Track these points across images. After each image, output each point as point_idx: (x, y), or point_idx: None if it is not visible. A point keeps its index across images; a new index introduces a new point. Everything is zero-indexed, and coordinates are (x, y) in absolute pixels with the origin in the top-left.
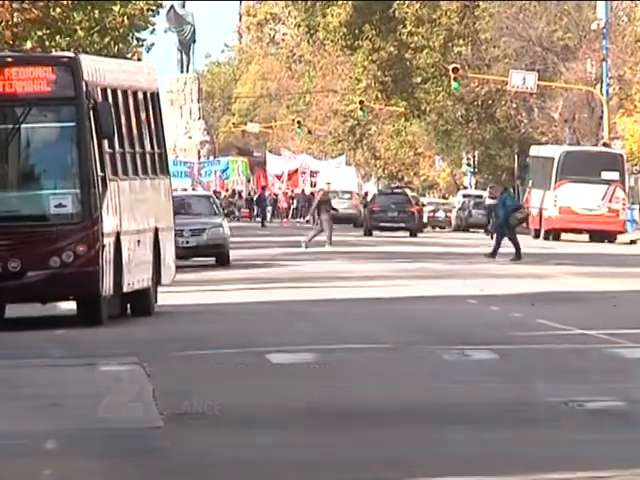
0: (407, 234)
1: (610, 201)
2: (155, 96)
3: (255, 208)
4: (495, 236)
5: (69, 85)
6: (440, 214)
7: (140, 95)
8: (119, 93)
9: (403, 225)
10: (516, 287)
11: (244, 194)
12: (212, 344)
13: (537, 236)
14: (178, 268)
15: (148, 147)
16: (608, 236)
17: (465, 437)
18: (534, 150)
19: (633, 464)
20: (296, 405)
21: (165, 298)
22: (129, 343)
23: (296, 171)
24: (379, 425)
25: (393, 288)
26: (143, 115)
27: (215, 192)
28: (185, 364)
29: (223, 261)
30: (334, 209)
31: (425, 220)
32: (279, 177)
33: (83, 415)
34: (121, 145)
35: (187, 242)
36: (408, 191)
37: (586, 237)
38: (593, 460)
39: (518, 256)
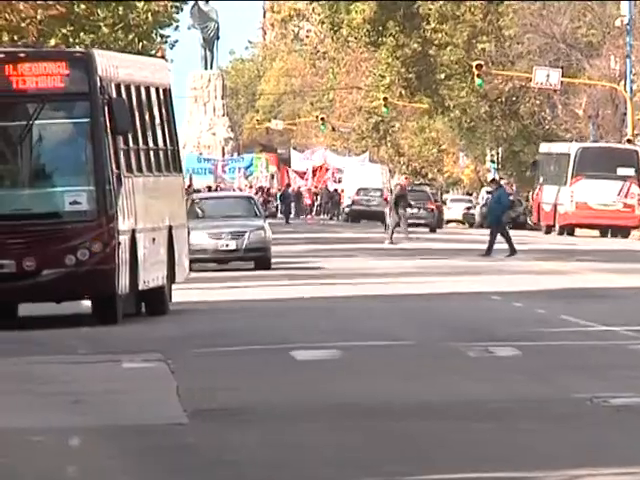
0: (427, 230)
1: (626, 197)
2: (168, 92)
3: (279, 205)
4: (489, 233)
5: (83, 81)
6: (474, 210)
7: (153, 91)
8: (132, 89)
9: (423, 222)
10: (539, 283)
11: (273, 190)
12: (235, 341)
13: (549, 232)
14: (215, 272)
15: (161, 144)
16: (621, 231)
17: (488, 434)
18: (544, 147)
19: None
20: (321, 402)
21: (181, 295)
22: (151, 340)
23: (321, 167)
24: (403, 421)
25: (416, 285)
26: (156, 111)
27: (239, 189)
28: (208, 361)
29: (264, 265)
30: (410, 205)
31: (460, 217)
32: (303, 174)
33: (107, 412)
34: (135, 142)
35: (227, 245)
36: (427, 188)
37: (597, 233)
38: (618, 457)
39: (513, 251)
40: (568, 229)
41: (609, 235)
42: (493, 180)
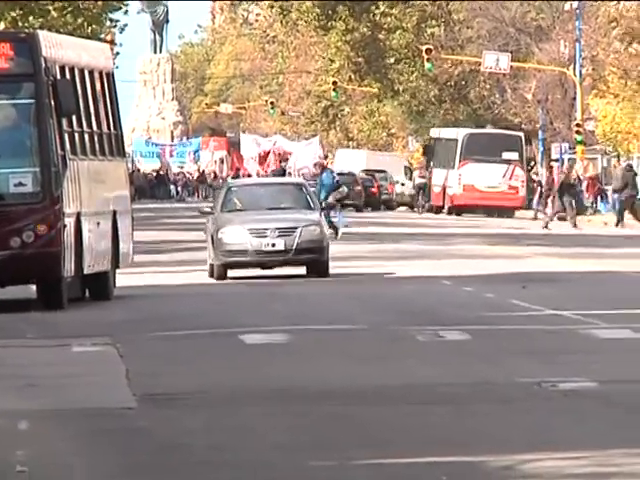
0: (353, 210)
1: (510, 179)
2: (111, 76)
3: None
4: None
5: (28, 62)
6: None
7: (97, 74)
8: (77, 71)
9: (350, 202)
10: (489, 268)
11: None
12: (184, 325)
13: (438, 212)
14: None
15: (105, 128)
16: (506, 212)
17: (439, 418)
18: (435, 132)
19: (606, 445)
20: (271, 386)
21: (125, 280)
22: (99, 325)
23: (269, 152)
24: (353, 405)
25: (367, 269)
26: (100, 95)
27: (189, 173)
28: (157, 345)
29: (320, 271)
30: (574, 190)
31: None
32: (253, 159)
33: (58, 395)
34: (80, 124)
35: (273, 245)
36: (355, 172)
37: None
38: (566, 441)
39: (336, 234)
40: (456, 210)
41: (485, 215)
42: (319, 163)
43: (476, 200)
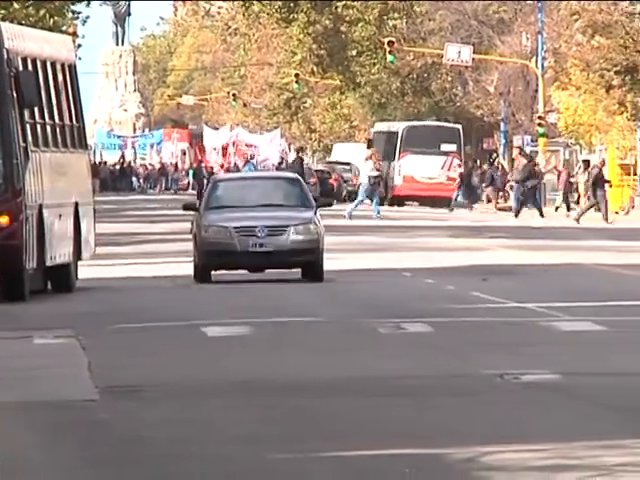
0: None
1: (449, 170)
2: (73, 68)
3: (192, 181)
4: None
5: None
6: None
7: (59, 66)
8: (39, 63)
9: None
10: (452, 260)
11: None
12: (145, 317)
13: (381, 203)
14: (249, 283)
15: (67, 120)
16: (445, 202)
17: (400, 410)
18: (378, 126)
19: (568, 437)
20: (232, 378)
21: (88, 272)
22: (61, 317)
23: (230, 145)
24: (314, 398)
25: (328, 261)
26: (62, 87)
27: (150, 165)
28: (120, 337)
29: (314, 274)
30: (608, 184)
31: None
32: (215, 151)
33: (20, 387)
34: (42, 116)
35: (261, 245)
36: (308, 163)
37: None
38: (528, 433)
39: None
40: (397, 201)
41: (419, 205)
42: (243, 155)
43: (415, 191)
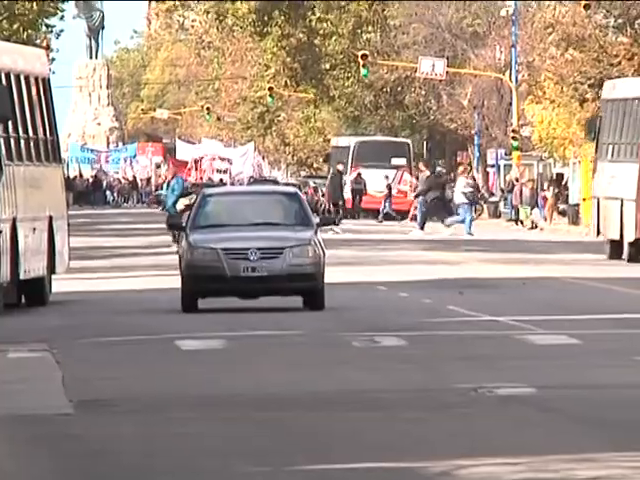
0: None
1: (399, 183)
2: (47, 82)
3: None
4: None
5: None
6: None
7: (32, 80)
8: (12, 77)
9: None
10: (426, 274)
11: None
12: (120, 331)
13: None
14: (242, 312)
15: (41, 134)
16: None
17: (374, 424)
18: (334, 141)
19: (544, 450)
20: (206, 392)
21: (62, 286)
22: (35, 331)
23: (202, 158)
24: (287, 412)
25: None
26: (36, 101)
27: (124, 179)
28: (94, 351)
29: (314, 302)
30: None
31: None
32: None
33: None
34: (15, 130)
35: (253, 269)
36: (279, 179)
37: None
38: (503, 446)
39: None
40: (350, 213)
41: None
42: (170, 169)
43: (367, 204)
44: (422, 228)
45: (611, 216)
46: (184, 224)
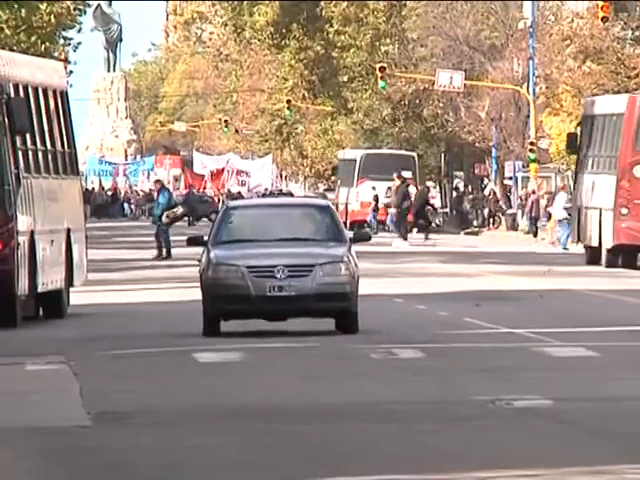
0: None
1: None
2: (65, 95)
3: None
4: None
5: None
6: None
7: (50, 93)
8: (30, 89)
9: None
10: (443, 286)
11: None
12: (137, 343)
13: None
14: (260, 336)
15: (59, 146)
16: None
17: (392, 436)
18: (341, 154)
19: (560, 463)
20: (223, 404)
21: (79, 298)
22: (53, 343)
23: (222, 170)
24: (306, 424)
25: None
26: (54, 113)
27: (142, 191)
28: (111, 363)
29: (347, 325)
30: None
31: None
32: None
33: (11, 413)
34: (33, 142)
35: (280, 289)
36: (294, 192)
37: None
38: (520, 458)
39: (169, 254)
40: (356, 225)
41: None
42: (157, 181)
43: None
44: (406, 238)
45: (590, 225)
46: (205, 239)
